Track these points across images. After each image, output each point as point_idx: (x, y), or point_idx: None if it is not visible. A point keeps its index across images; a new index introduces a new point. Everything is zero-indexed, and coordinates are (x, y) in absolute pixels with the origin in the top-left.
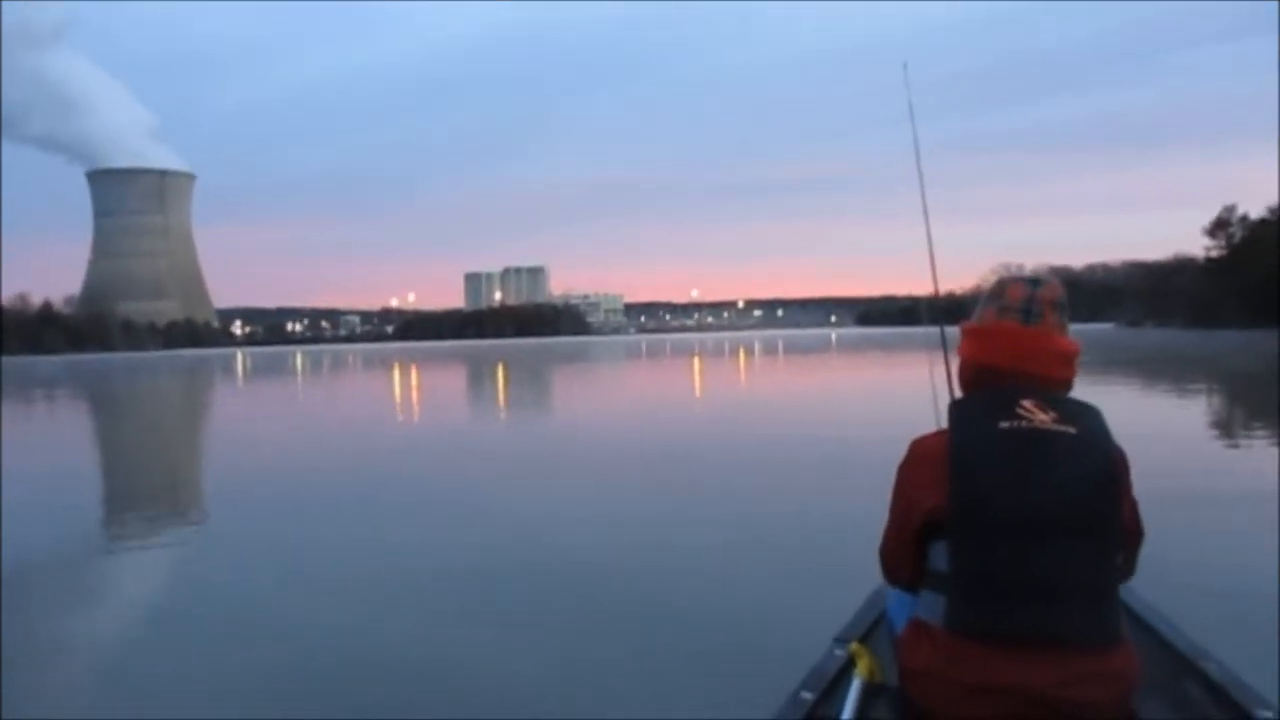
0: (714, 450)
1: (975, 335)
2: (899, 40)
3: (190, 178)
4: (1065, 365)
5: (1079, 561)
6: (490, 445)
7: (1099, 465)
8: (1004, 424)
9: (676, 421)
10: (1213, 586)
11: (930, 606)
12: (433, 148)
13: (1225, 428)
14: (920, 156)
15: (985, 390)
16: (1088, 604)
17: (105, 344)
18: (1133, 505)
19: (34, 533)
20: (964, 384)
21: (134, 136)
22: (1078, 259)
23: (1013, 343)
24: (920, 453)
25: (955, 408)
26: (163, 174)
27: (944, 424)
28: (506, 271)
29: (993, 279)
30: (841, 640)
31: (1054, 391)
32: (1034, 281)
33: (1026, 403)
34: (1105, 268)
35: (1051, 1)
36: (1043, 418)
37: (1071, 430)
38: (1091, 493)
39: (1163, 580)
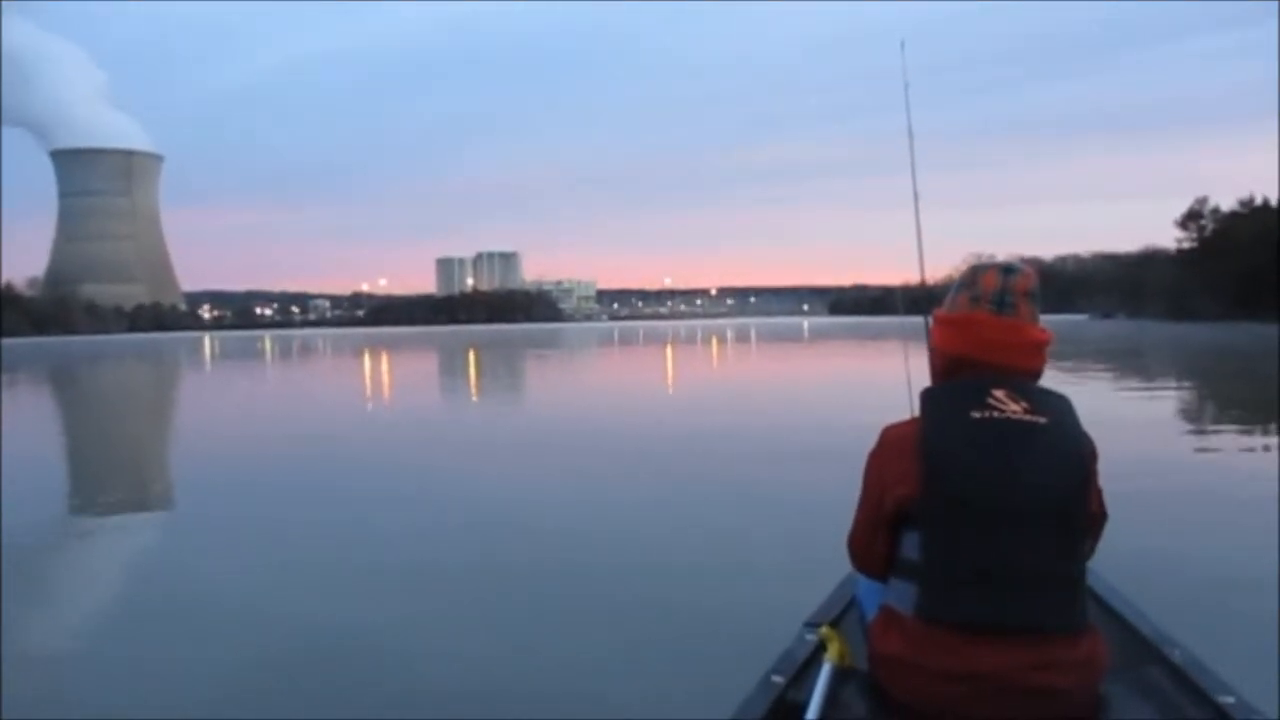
0: (687, 439)
1: (948, 324)
2: (871, 30)
3: (158, 159)
4: (1036, 355)
5: (1049, 550)
6: (465, 434)
7: (1069, 455)
8: (975, 414)
9: (650, 411)
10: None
11: (901, 594)
12: (405, 132)
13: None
14: (913, 139)
15: (957, 380)
16: (1057, 591)
17: (69, 327)
18: (1098, 492)
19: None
20: (935, 372)
21: (88, 101)
22: (1048, 249)
23: (985, 333)
24: (892, 441)
25: (926, 397)
26: (130, 154)
27: (917, 412)
28: (479, 257)
29: (965, 268)
30: (812, 625)
31: (1024, 381)
32: (1008, 270)
33: (998, 393)
34: (1076, 259)
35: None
36: (1014, 408)
37: (1042, 420)
38: (1062, 482)
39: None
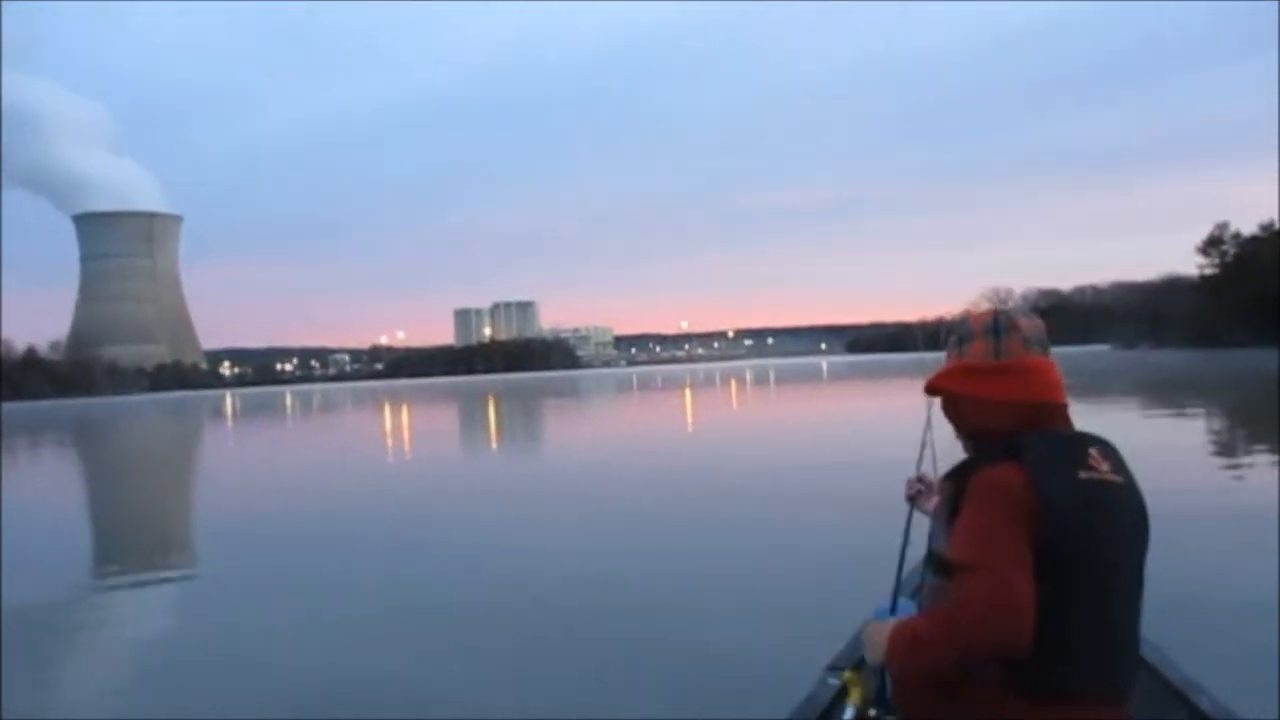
0: (706, 484)
1: (1015, 371)
2: (883, 72)
3: (177, 219)
4: None
5: (1137, 613)
6: (481, 482)
7: (1144, 516)
8: (1083, 474)
9: (668, 456)
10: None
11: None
12: (421, 184)
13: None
14: None
15: (1052, 433)
16: (1136, 654)
17: (91, 389)
18: None
19: (21, 582)
20: (1005, 421)
21: (103, 160)
22: (1065, 281)
23: (1051, 375)
24: (1003, 491)
25: (1030, 448)
26: (151, 217)
27: (937, 453)
28: (496, 307)
29: (984, 304)
30: (834, 669)
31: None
32: (1032, 314)
33: (1094, 451)
34: (1094, 290)
35: (1029, 32)
36: (1105, 467)
37: (1121, 480)
38: (1143, 544)
39: None
